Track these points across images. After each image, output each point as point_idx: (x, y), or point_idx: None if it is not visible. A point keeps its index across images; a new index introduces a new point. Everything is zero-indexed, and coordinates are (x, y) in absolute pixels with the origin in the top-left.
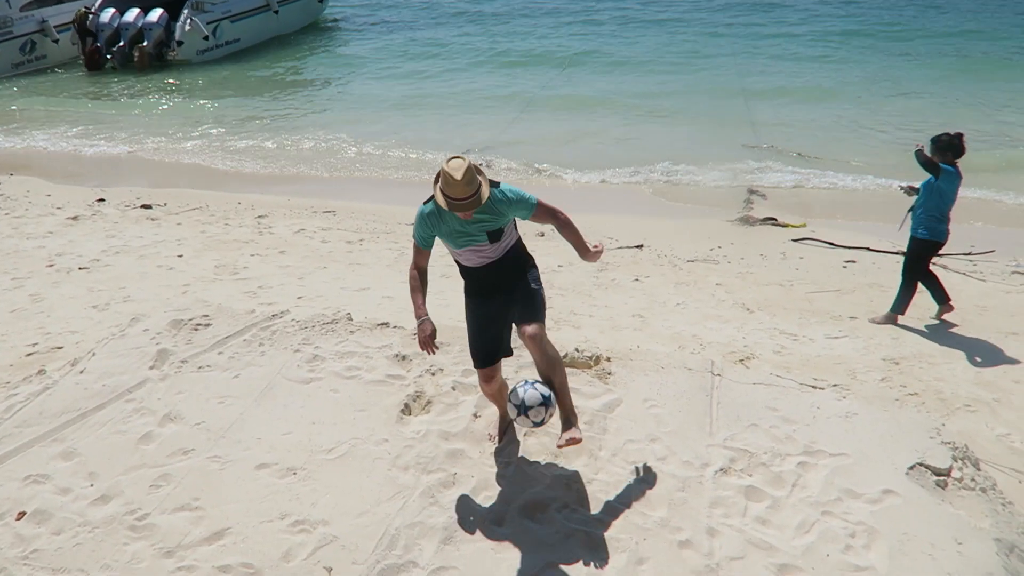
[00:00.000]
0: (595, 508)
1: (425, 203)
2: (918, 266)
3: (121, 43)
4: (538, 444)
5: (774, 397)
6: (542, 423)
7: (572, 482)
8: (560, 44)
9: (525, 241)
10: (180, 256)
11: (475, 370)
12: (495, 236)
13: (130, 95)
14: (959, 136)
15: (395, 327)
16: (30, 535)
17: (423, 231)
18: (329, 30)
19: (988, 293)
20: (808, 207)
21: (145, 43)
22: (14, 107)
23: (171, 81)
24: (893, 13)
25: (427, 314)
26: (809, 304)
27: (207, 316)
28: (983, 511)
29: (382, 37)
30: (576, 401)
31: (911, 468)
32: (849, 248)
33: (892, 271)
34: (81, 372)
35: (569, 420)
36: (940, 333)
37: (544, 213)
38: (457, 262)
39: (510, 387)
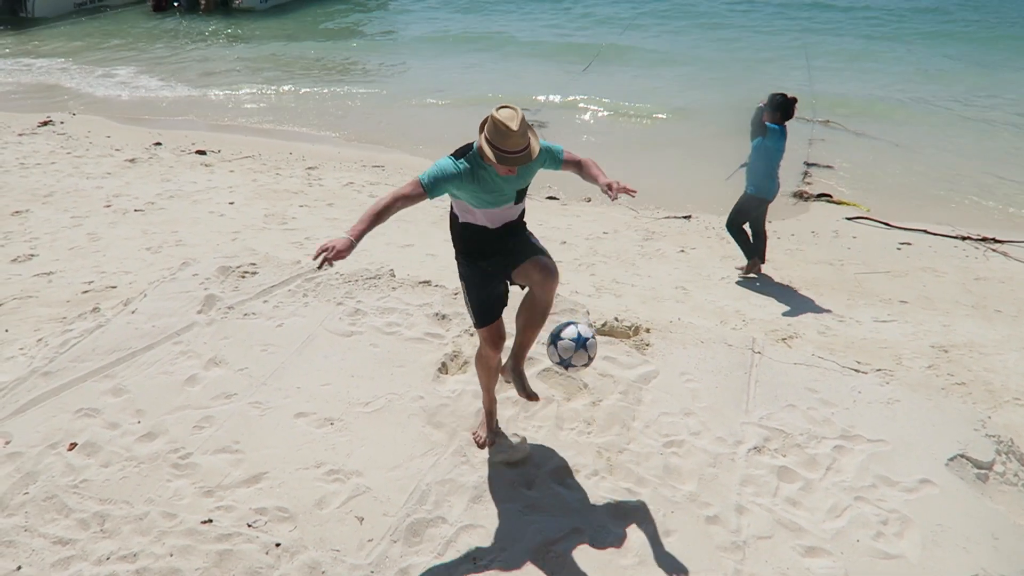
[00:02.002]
0: (625, 478)
1: (457, 159)
2: (739, 218)
3: None
4: (571, 411)
5: (814, 378)
6: (569, 362)
7: (603, 450)
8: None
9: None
10: (231, 203)
11: (485, 337)
12: (522, 195)
13: (193, 39)
14: (793, 100)
15: (436, 285)
16: (80, 465)
17: (442, 183)
18: None
19: None
20: (867, 187)
21: None
22: (78, 43)
23: (233, 31)
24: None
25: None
26: (859, 285)
27: (254, 264)
28: (1023, 507)
29: None
30: (612, 370)
31: (952, 459)
32: (905, 229)
33: (949, 255)
34: (133, 312)
35: (517, 365)
36: (995, 323)
37: (570, 161)
38: (466, 224)
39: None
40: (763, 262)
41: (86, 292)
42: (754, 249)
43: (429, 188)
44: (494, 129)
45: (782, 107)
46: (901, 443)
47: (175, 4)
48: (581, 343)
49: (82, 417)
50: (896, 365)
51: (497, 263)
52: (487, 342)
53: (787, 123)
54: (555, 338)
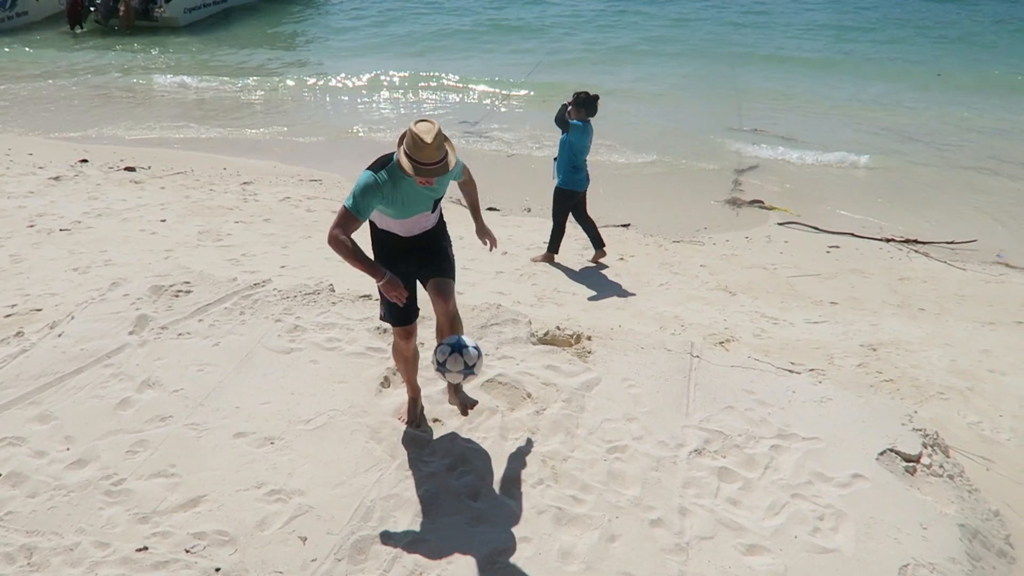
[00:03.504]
0: (570, 485)
1: (376, 170)
2: (561, 211)
3: None
4: (515, 420)
5: (751, 380)
6: (472, 371)
7: (548, 459)
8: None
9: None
10: (163, 221)
11: (398, 333)
12: (437, 203)
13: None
14: (596, 97)
15: (377, 299)
16: (5, 497)
17: (368, 200)
18: None
19: (967, 282)
20: (794, 190)
21: None
22: None
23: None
24: None
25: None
26: (791, 288)
27: (188, 283)
28: (949, 497)
29: None
30: (555, 379)
31: (882, 454)
32: (834, 233)
33: (875, 257)
34: (60, 335)
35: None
36: (919, 320)
37: (466, 173)
38: (383, 231)
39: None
40: (603, 245)
41: (9, 316)
42: (594, 241)
43: (358, 210)
44: (412, 142)
45: (586, 104)
46: (834, 440)
47: (91, 10)
48: (479, 351)
49: (6, 446)
50: (828, 364)
51: (411, 268)
52: (399, 336)
53: (591, 120)
54: (456, 347)
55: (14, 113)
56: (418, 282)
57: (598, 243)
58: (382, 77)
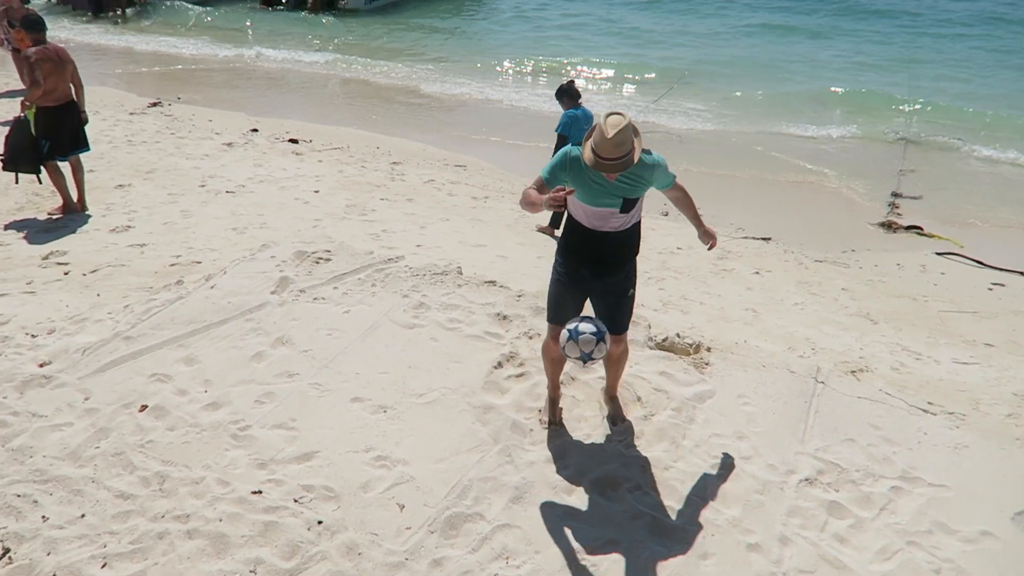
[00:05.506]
0: (668, 495)
1: (575, 144)
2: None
3: None
4: (622, 426)
5: (879, 415)
6: (591, 356)
7: (649, 465)
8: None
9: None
10: (316, 192)
11: (549, 330)
12: (629, 205)
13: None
14: (570, 83)
15: (501, 287)
16: (148, 427)
17: (559, 172)
18: None
19: None
20: (960, 218)
21: None
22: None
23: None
24: None
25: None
26: (942, 323)
27: (329, 251)
28: None
29: None
30: (667, 386)
31: (1019, 513)
32: (1000, 270)
33: None
34: (212, 287)
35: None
36: None
37: (678, 188)
38: (572, 216)
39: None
40: (556, 227)
41: (173, 265)
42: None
43: (548, 178)
44: (598, 134)
45: (566, 93)
46: (965, 491)
47: (283, 1)
48: (600, 336)
49: (155, 382)
50: (971, 410)
51: (584, 274)
52: (550, 334)
53: (583, 103)
54: (574, 334)
55: (193, 83)
56: (589, 300)
57: (557, 222)
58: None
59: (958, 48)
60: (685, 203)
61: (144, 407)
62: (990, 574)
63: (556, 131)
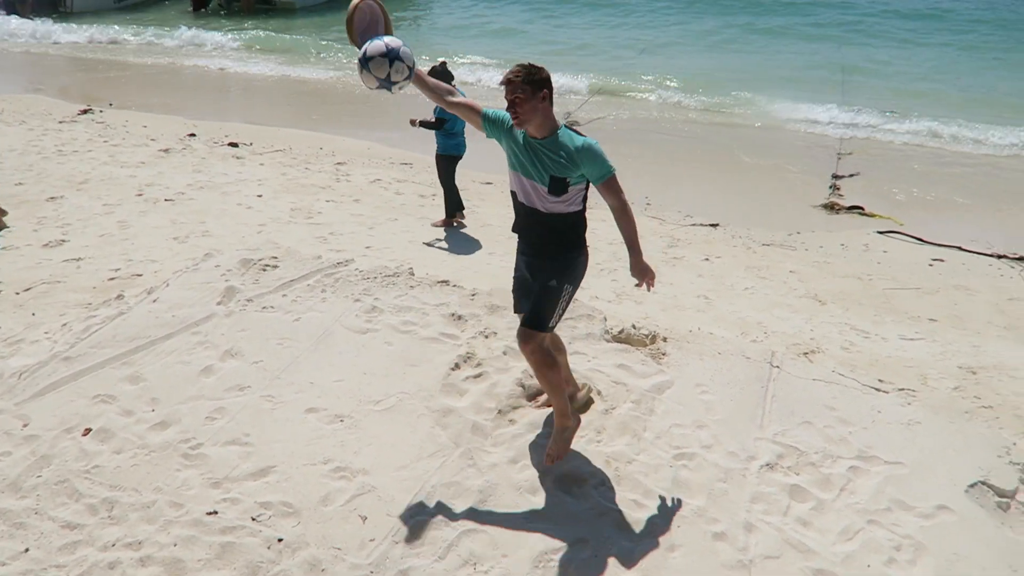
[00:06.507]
0: (632, 489)
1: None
2: (448, 175)
3: None
4: (583, 421)
5: (833, 396)
6: (391, 81)
7: (612, 460)
8: None
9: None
10: (259, 196)
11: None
12: (557, 187)
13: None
14: (441, 64)
15: (455, 286)
16: (93, 451)
17: (495, 121)
18: None
19: None
20: (897, 197)
21: None
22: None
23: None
24: None
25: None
26: (887, 301)
27: (276, 258)
28: None
29: None
30: (626, 379)
31: (972, 486)
32: (939, 246)
33: (983, 274)
34: (155, 301)
35: (556, 428)
36: None
37: (612, 189)
38: (512, 192)
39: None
40: (454, 214)
41: (112, 279)
42: (457, 203)
43: (485, 118)
44: None
45: (441, 75)
46: (920, 467)
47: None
48: (393, 55)
49: (98, 403)
50: (921, 385)
51: (521, 254)
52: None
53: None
54: (363, 61)
55: (132, 89)
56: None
57: (453, 210)
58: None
59: (891, 31)
60: (622, 220)
61: (88, 431)
62: (948, 547)
63: (435, 114)
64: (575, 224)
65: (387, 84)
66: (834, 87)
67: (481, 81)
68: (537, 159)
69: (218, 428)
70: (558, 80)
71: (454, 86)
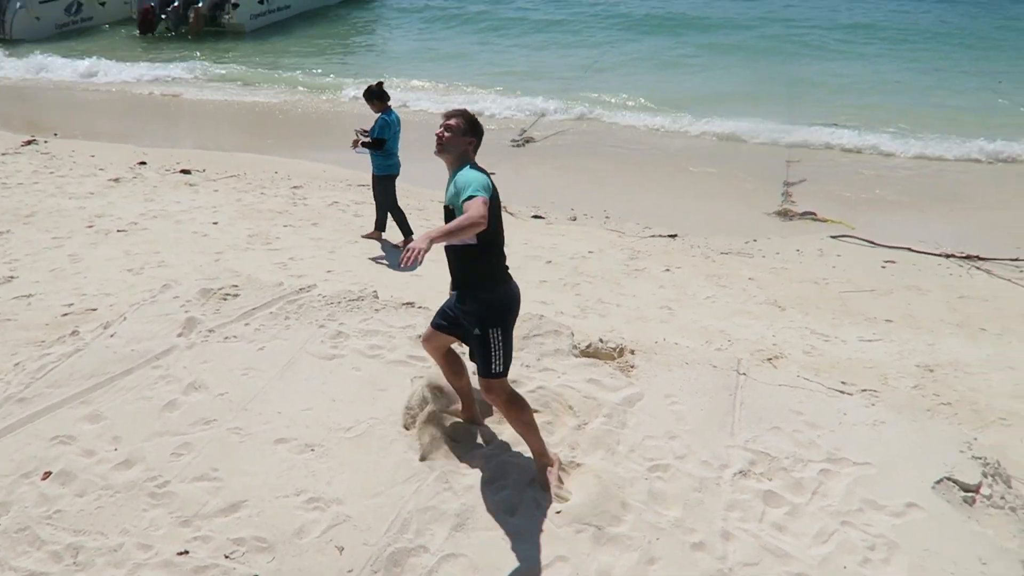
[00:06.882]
0: (609, 503)
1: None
2: (388, 194)
3: (175, 4)
4: (556, 438)
5: (800, 400)
6: None
7: (588, 475)
8: None
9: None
10: (215, 223)
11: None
12: (448, 218)
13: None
14: (378, 84)
15: (420, 307)
16: (54, 495)
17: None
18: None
19: None
20: (848, 204)
21: (200, 4)
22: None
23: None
24: None
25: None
26: (844, 304)
27: (236, 286)
28: (1011, 531)
29: (430, 3)
30: (597, 393)
31: (938, 482)
32: (890, 247)
33: (933, 273)
34: (112, 336)
35: (539, 468)
36: (979, 341)
37: (468, 205)
38: None
39: None
40: (382, 231)
41: (66, 315)
42: (399, 221)
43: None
44: None
45: (377, 96)
46: (887, 466)
47: (162, 18)
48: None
49: (57, 445)
50: (882, 385)
51: (453, 303)
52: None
53: (391, 105)
54: None
55: (80, 118)
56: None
57: (382, 226)
58: (428, 82)
59: (831, 44)
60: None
61: (47, 474)
62: (919, 544)
63: (373, 135)
64: (478, 257)
65: None
66: (780, 100)
67: (427, 109)
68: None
69: (185, 464)
70: (507, 101)
71: (389, 106)
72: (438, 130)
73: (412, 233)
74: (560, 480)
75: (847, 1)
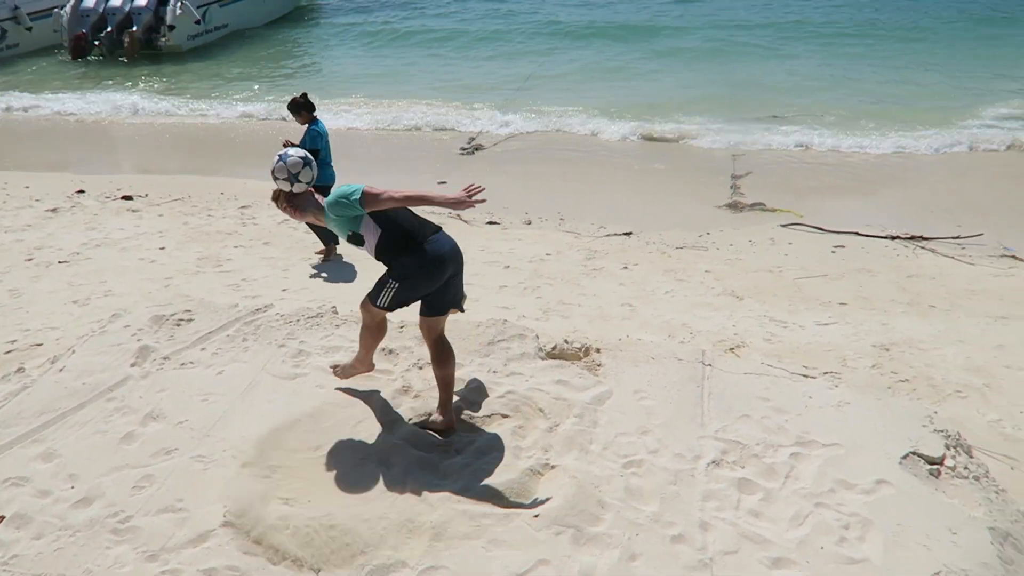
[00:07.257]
0: (586, 502)
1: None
2: None
3: (108, 29)
4: (529, 441)
5: (765, 387)
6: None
7: (563, 476)
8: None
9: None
10: (162, 248)
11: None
12: (355, 240)
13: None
14: (304, 95)
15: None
16: (9, 540)
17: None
18: (314, 14)
19: (977, 277)
20: (795, 194)
21: (135, 28)
22: None
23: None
24: None
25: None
26: (798, 290)
27: (189, 311)
28: (976, 500)
29: (368, 19)
30: (566, 394)
31: (904, 457)
32: (838, 233)
33: (881, 255)
34: (61, 370)
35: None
36: (930, 318)
37: (374, 201)
38: None
39: None
40: (337, 243)
41: (9, 352)
42: (331, 235)
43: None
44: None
45: (304, 107)
46: (855, 445)
47: (95, 44)
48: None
49: (9, 487)
50: (842, 367)
51: None
52: None
53: (317, 115)
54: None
55: (10, 149)
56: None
57: (331, 239)
58: (370, 99)
59: (770, 45)
60: (408, 202)
61: (1, 518)
62: (892, 519)
63: (304, 147)
64: (386, 249)
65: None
66: (723, 100)
67: (365, 128)
68: (330, 223)
69: (147, 497)
70: (453, 112)
71: (315, 116)
72: (284, 214)
73: (334, 243)
74: (349, 371)
75: (783, 3)
